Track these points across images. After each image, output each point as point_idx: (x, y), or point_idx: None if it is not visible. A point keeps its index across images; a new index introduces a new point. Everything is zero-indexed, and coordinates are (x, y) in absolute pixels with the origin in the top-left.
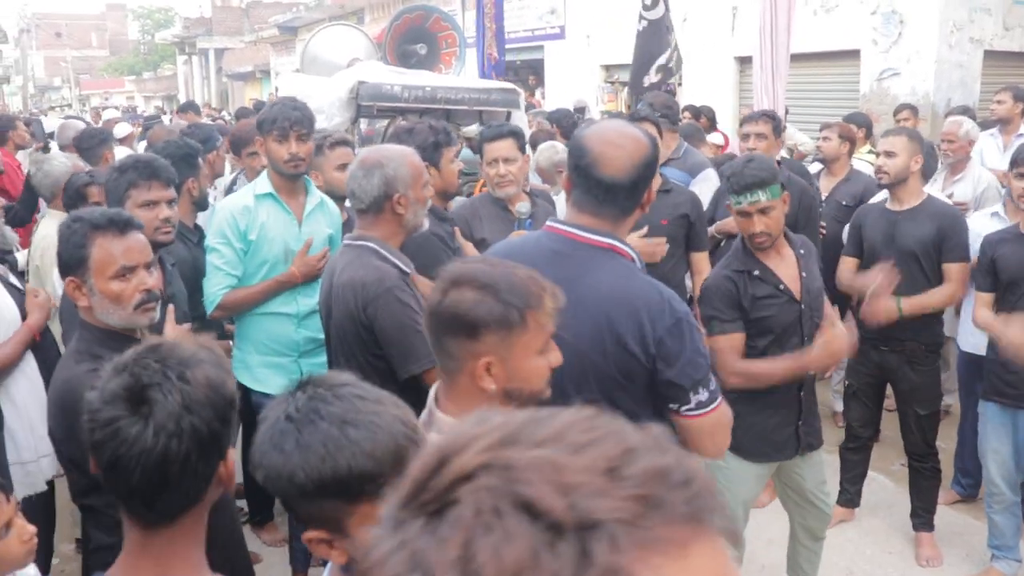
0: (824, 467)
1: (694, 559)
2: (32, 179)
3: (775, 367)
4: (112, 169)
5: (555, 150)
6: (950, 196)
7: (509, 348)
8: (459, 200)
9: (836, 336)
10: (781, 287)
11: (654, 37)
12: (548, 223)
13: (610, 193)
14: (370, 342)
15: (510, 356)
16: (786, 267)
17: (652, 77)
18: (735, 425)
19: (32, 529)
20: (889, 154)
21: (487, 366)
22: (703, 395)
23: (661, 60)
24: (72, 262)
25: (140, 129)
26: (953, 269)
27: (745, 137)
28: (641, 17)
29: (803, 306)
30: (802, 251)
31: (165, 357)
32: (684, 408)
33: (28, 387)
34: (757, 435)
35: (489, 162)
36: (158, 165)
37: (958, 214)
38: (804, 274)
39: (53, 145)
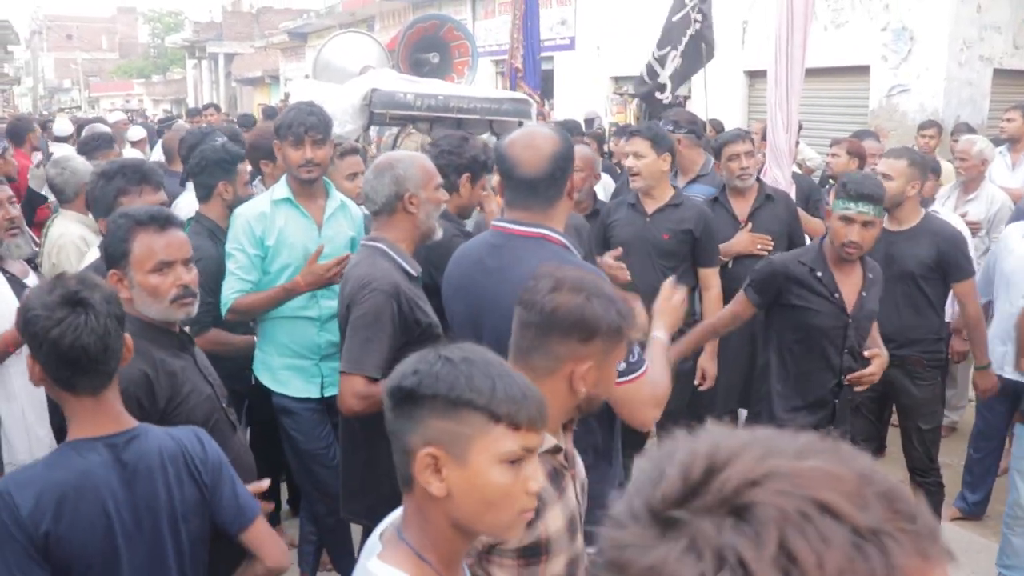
0: None
1: (942, 573)
2: (55, 179)
3: (700, 330)
4: (97, 175)
5: None
6: (964, 215)
7: (607, 357)
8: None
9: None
10: (836, 295)
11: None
12: (492, 221)
13: (532, 188)
14: None
15: (604, 365)
16: (850, 282)
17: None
18: (768, 425)
19: None
20: (886, 176)
21: (586, 372)
22: (620, 365)
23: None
24: (115, 255)
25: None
26: (963, 288)
27: (734, 157)
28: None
29: (850, 320)
30: (871, 275)
31: (76, 277)
32: None
33: (27, 387)
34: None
35: None
36: (146, 169)
37: (956, 232)
38: (864, 293)
39: (67, 148)
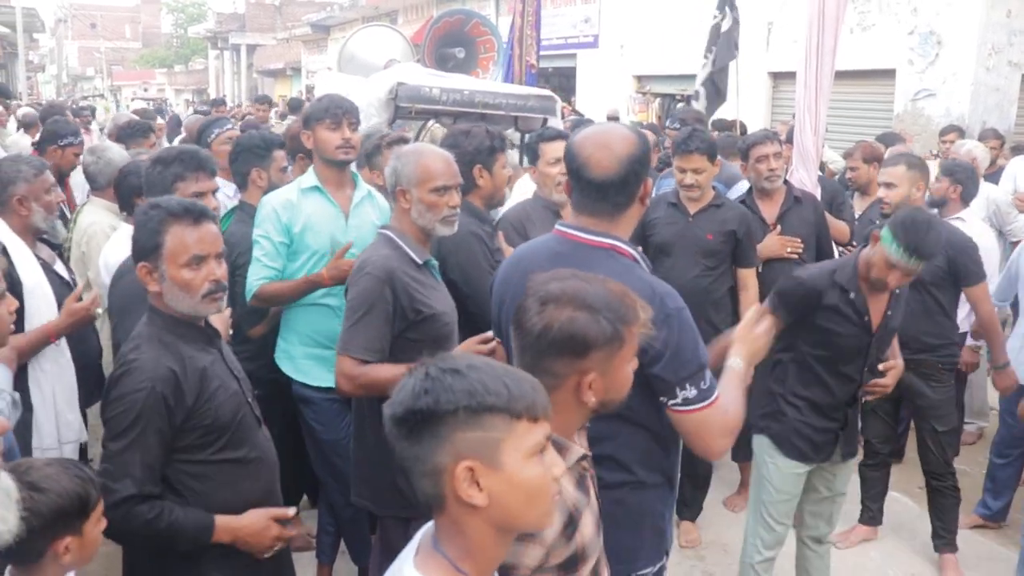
0: (850, 479)
1: None
2: (90, 167)
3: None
4: (155, 161)
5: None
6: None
7: (611, 363)
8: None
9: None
10: (865, 318)
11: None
12: (555, 226)
13: (601, 192)
14: None
15: (610, 370)
16: (878, 302)
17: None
18: (781, 424)
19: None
20: (888, 185)
21: (591, 383)
22: (690, 392)
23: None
24: (146, 248)
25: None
26: (974, 292)
27: (762, 159)
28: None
29: (873, 339)
30: (897, 291)
31: None
32: (671, 402)
33: (57, 373)
34: (800, 435)
35: (552, 162)
36: (203, 156)
37: (965, 238)
38: (890, 312)
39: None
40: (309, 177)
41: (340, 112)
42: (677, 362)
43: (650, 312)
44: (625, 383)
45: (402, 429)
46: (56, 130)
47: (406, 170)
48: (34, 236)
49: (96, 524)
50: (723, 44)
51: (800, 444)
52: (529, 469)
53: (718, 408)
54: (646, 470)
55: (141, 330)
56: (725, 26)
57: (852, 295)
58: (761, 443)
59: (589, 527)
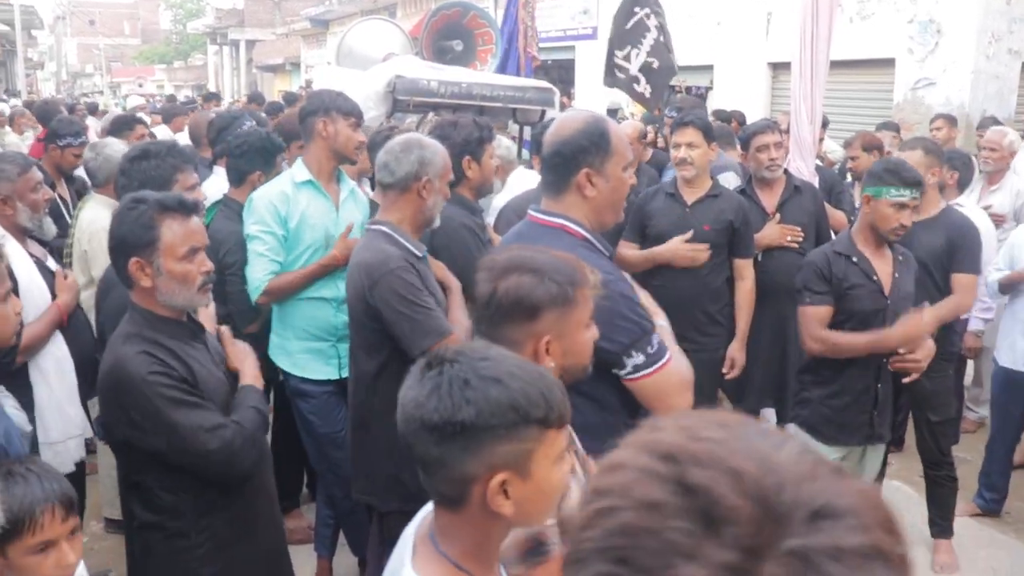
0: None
1: None
2: (90, 163)
3: (855, 340)
4: (141, 156)
5: (505, 148)
6: (988, 207)
7: (565, 325)
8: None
9: (918, 322)
10: (874, 278)
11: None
12: (529, 209)
13: (544, 170)
14: (370, 318)
15: (566, 332)
16: (882, 263)
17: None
18: (809, 410)
19: (73, 561)
20: None
21: (547, 344)
22: (638, 359)
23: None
24: (138, 243)
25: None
26: (961, 279)
27: (763, 148)
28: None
29: (889, 302)
30: (900, 256)
31: None
32: (624, 373)
33: (56, 367)
34: (826, 417)
35: None
36: (183, 148)
37: (972, 225)
38: (897, 275)
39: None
40: (301, 171)
41: (361, 115)
42: (617, 331)
43: (599, 276)
44: (584, 348)
45: (432, 435)
46: (57, 130)
47: (435, 161)
48: (23, 234)
49: (28, 556)
50: (659, 46)
51: (828, 428)
52: (554, 475)
53: (671, 369)
54: (591, 439)
55: (123, 329)
56: (651, 25)
57: (855, 258)
58: (791, 431)
59: None
